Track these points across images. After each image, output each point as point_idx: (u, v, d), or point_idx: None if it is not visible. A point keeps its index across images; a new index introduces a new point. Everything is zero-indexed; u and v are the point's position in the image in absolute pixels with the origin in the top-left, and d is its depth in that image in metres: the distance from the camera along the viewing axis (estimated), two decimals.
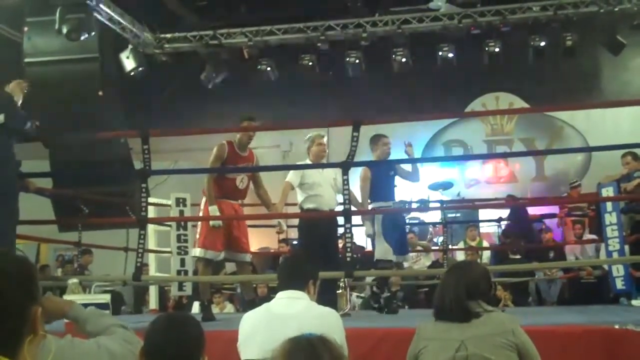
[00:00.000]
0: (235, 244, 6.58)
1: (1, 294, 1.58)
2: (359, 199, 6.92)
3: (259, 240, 10.98)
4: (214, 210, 6.37)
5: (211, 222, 6.41)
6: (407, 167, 7.36)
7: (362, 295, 10.03)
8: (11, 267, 1.64)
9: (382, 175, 7.00)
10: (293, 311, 3.20)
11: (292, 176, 6.74)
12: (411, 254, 10.27)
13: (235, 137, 6.63)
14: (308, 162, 6.83)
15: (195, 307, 9.32)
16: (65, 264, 11.04)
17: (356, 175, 7.07)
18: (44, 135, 7.35)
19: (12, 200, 5.36)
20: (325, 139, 6.90)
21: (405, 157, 7.19)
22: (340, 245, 7.11)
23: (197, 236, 6.65)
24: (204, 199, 6.64)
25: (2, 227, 5.23)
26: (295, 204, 7.09)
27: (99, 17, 10.03)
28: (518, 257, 9.91)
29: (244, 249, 6.67)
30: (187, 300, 9.76)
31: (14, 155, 5.54)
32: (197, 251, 6.59)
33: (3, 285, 1.59)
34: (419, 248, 10.39)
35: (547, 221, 11.03)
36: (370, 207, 6.97)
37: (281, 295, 3.36)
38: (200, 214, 6.73)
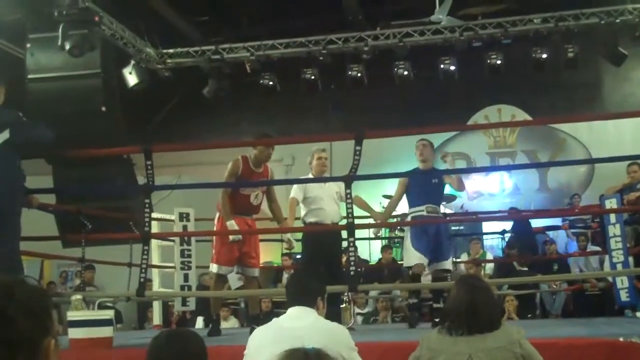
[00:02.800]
0: (245, 259, 6.58)
1: (13, 326, 1.47)
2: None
3: (262, 254, 10.95)
4: (231, 225, 6.33)
5: (230, 237, 6.40)
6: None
7: (364, 311, 9.99)
8: (25, 297, 1.53)
9: (420, 183, 6.87)
10: (301, 325, 3.23)
11: (296, 191, 6.75)
12: None
13: (250, 152, 6.58)
14: (310, 176, 6.85)
15: (199, 323, 9.30)
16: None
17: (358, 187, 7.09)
18: (48, 152, 7.34)
19: (13, 218, 5.23)
20: (325, 153, 6.89)
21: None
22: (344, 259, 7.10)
23: (213, 251, 6.65)
24: (217, 214, 6.64)
25: (5, 245, 5.16)
26: (297, 219, 7.08)
27: (101, 33, 10.06)
28: (525, 269, 9.87)
29: (253, 264, 6.66)
30: (191, 315, 9.74)
31: (19, 171, 5.40)
32: (213, 267, 6.63)
33: (16, 316, 1.48)
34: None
35: (553, 233, 11.01)
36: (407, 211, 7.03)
37: (291, 311, 3.40)
38: (215, 230, 6.72)
